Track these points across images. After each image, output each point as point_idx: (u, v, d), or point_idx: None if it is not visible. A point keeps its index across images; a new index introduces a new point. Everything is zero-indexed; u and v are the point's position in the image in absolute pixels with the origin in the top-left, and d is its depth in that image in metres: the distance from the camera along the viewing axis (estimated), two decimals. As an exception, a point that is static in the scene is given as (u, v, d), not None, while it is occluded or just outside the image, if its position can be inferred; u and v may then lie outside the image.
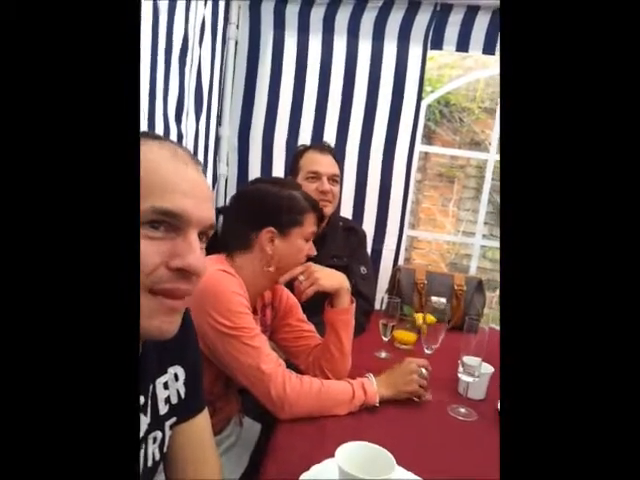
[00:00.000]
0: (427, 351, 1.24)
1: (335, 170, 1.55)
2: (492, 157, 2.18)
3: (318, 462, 0.72)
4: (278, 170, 1.99)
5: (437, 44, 1.95)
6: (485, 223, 2.49)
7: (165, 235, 0.49)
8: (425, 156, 3.17)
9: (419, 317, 1.39)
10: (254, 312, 1.02)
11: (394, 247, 2.04)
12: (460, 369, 1.05)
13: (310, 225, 1.04)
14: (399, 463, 0.69)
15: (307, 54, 1.93)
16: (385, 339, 1.35)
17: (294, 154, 1.63)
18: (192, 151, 1.51)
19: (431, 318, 1.33)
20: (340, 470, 0.62)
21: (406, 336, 1.41)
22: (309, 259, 1.06)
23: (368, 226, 2.01)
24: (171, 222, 0.49)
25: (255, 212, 1.02)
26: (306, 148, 1.59)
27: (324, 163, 1.53)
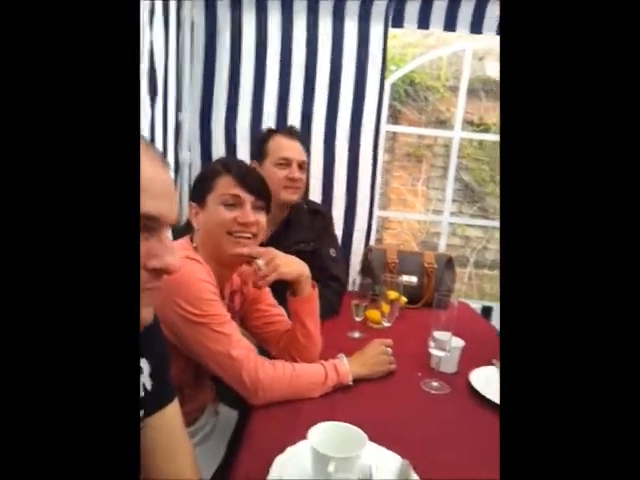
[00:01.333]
0: (386, 323, 1.34)
1: (304, 157, 1.53)
2: (457, 135, 2.20)
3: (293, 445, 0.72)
4: (243, 154, 1.96)
5: (398, 22, 1.94)
6: (453, 201, 2.52)
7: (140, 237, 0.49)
8: (393, 136, 3.18)
9: (391, 294, 1.40)
10: (221, 298, 1.00)
11: (365, 228, 2.04)
12: (431, 344, 1.06)
13: (225, 187, 0.96)
14: (374, 439, 0.70)
15: (266, 35, 1.88)
16: (358, 319, 1.35)
17: (259, 138, 1.59)
18: (149, 138, 1.46)
19: (394, 294, 1.37)
20: (312, 450, 0.62)
21: (378, 315, 1.42)
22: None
23: (338, 208, 2.01)
24: (147, 224, 0.49)
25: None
26: (273, 132, 1.55)
27: (294, 149, 1.50)
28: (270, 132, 1.55)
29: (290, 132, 1.54)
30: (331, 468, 0.59)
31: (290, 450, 0.71)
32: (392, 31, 1.95)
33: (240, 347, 0.89)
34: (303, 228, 1.54)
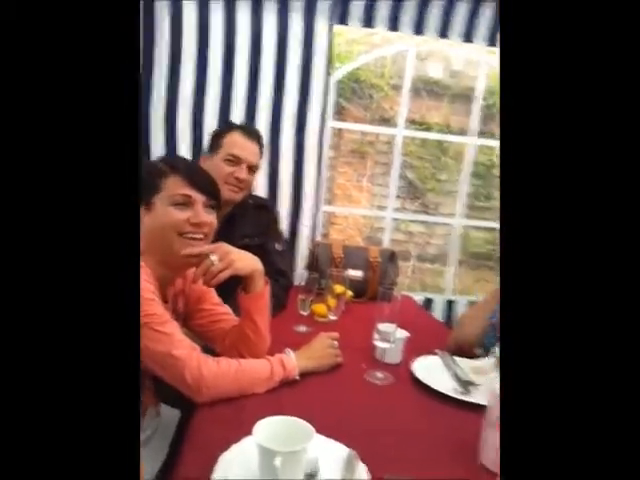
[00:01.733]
0: (332, 317, 1.38)
1: (256, 161, 1.50)
2: (400, 133, 2.25)
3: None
4: (183, 150, 1.90)
5: (343, 19, 1.95)
6: (396, 197, 2.59)
7: None
8: (338, 133, 3.20)
9: (337, 288, 1.42)
10: (164, 300, 0.96)
11: (310, 223, 2.05)
12: (376, 336, 1.08)
13: (175, 188, 0.93)
14: (321, 432, 0.70)
15: (208, 29, 1.83)
16: (304, 313, 1.35)
17: (218, 129, 1.55)
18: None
19: (340, 288, 1.39)
20: (257, 445, 0.61)
21: (324, 309, 1.43)
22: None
23: (284, 204, 2.00)
24: None
25: None
26: (233, 127, 1.51)
27: (248, 149, 1.47)
28: (230, 127, 1.51)
29: (249, 132, 1.51)
30: (277, 463, 0.59)
31: (235, 447, 0.69)
32: (337, 28, 1.96)
33: (182, 346, 0.86)
34: (248, 223, 1.52)
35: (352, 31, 2.60)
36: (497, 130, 3.22)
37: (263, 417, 0.67)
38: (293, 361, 0.98)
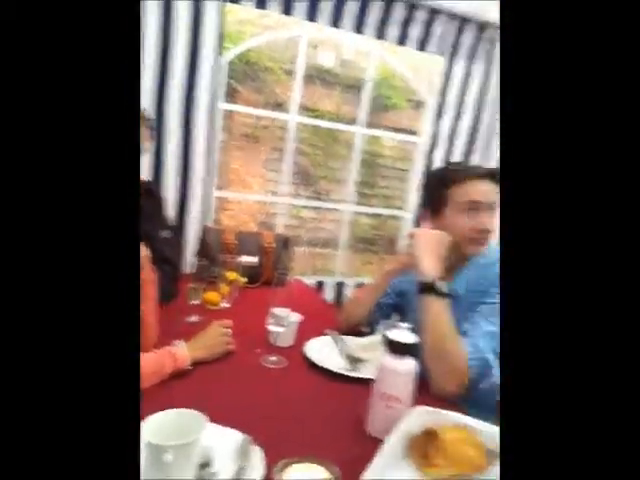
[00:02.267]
0: (225, 305, 1.39)
1: (144, 143, 1.39)
2: (293, 119, 2.27)
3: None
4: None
5: (234, -4, 1.89)
6: (290, 183, 2.61)
7: None
8: (230, 115, 3.11)
9: (230, 275, 1.39)
10: None
11: (200, 209, 1.98)
12: (270, 320, 1.09)
13: None
14: (216, 421, 0.69)
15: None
16: (196, 302, 1.31)
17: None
18: None
19: (233, 275, 1.37)
20: (145, 443, 0.58)
21: (216, 297, 1.40)
22: None
23: (171, 189, 1.89)
24: None
25: None
26: None
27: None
28: None
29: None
30: (168, 458, 0.56)
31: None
32: (228, 6, 1.89)
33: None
34: None
35: (244, 10, 2.53)
36: (385, 121, 3.39)
37: (156, 410, 0.64)
38: (183, 352, 0.94)
